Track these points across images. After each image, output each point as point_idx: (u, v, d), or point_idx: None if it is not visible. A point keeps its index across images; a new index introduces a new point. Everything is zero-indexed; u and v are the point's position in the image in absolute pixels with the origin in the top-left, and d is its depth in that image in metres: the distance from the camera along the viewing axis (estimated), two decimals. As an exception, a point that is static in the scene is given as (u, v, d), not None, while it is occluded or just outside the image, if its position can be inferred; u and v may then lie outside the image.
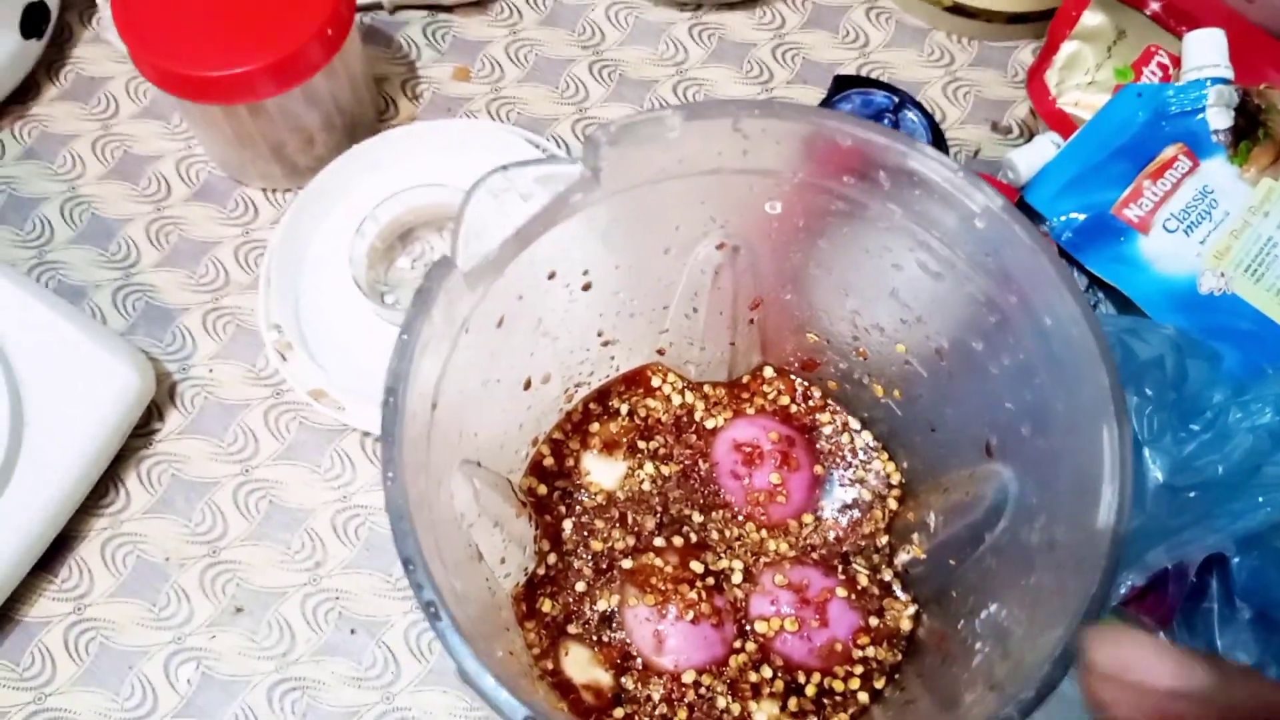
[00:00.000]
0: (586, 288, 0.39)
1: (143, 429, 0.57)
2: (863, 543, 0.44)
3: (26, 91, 0.66)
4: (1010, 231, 0.32)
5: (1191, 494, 0.44)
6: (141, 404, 0.55)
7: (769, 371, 0.47)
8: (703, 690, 0.41)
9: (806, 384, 0.46)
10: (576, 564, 0.43)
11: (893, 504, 0.45)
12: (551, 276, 0.37)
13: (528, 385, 0.41)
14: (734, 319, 0.42)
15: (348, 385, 0.54)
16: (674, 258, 0.40)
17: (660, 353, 0.46)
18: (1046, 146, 0.58)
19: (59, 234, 0.62)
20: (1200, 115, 0.56)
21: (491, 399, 0.38)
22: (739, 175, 0.35)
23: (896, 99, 0.57)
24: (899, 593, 0.43)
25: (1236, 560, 0.47)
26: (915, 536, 0.42)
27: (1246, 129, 0.56)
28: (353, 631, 0.53)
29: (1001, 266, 0.33)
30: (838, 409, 0.46)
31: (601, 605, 0.42)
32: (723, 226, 0.38)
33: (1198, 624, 0.48)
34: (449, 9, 0.68)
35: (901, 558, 0.43)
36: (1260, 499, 0.45)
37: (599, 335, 0.43)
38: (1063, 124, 0.61)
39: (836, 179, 0.34)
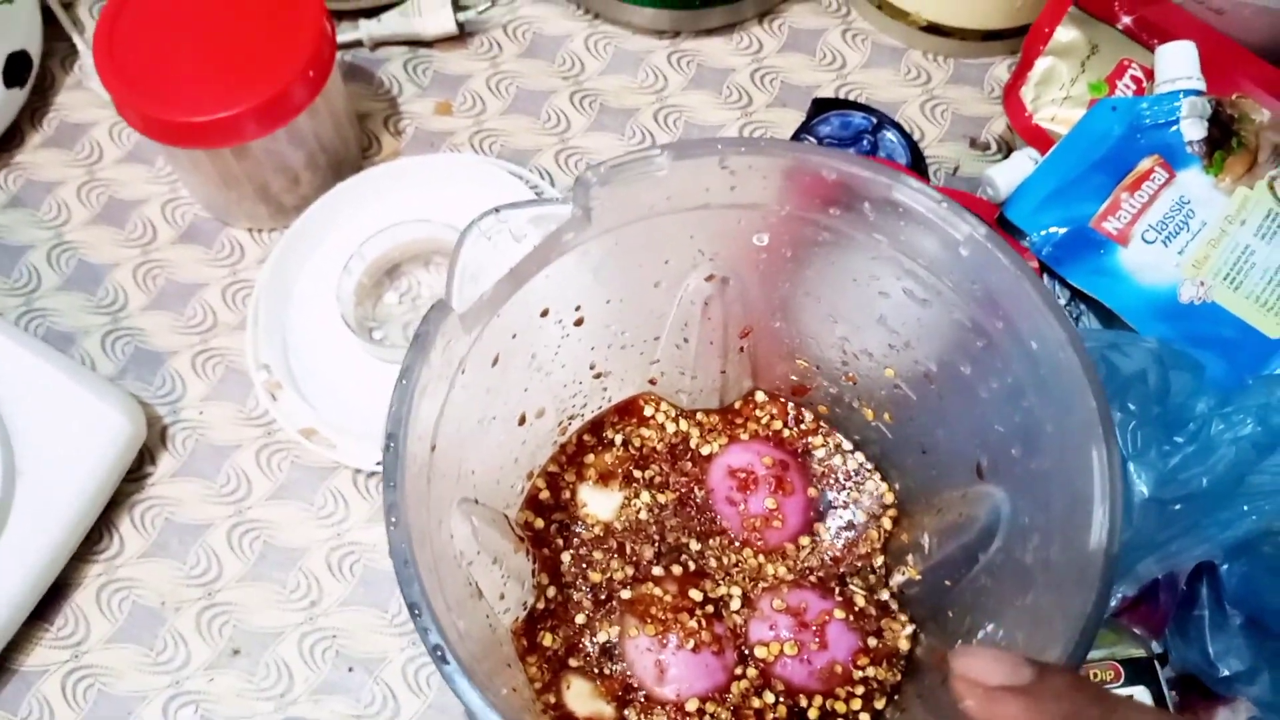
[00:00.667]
0: (579, 323, 0.39)
1: (135, 473, 0.57)
2: (859, 563, 0.44)
3: (10, 139, 0.66)
4: (994, 258, 0.32)
5: (1178, 506, 0.44)
6: (133, 448, 0.55)
7: (760, 396, 0.47)
8: (706, 718, 0.42)
9: (798, 408, 0.47)
10: (576, 596, 0.43)
11: (887, 524, 0.45)
12: (545, 314, 0.37)
13: (522, 420, 0.41)
14: (724, 348, 0.43)
15: (338, 423, 0.55)
16: (664, 290, 0.40)
17: (652, 382, 0.46)
18: (1024, 162, 0.59)
19: (46, 281, 0.62)
20: (1175, 127, 0.57)
21: (487, 436, 0.38)
22: (727, 210, 0.36)
23: (874, 120, 0.58)
24: (896, 613, 0.43)
25: (1225, 568, 0.48)
26: (910, 557, 0.42)
27: (1220, 139, 0.57)
28: (350, 669, 0.53)
29: (987, 292, 0.33)
30: (830, 431, 0.47)
31: (602, 637, 0.43)
32: (711, 259, 0.39)
33: (1190, 631, 0.48)
34: (429, 44, 0.69)
35: (897, 578, 0.43)
36: (1246, 508, 0.45)
37: (591, 368, 0.43)
38: (1040, 139, 0.61)
39: (822, 211, 0.35)
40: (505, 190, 0.60)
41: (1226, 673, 0.47)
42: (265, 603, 0.54)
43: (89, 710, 0.52)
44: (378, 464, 0.54)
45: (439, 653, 0.27)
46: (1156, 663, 0.48)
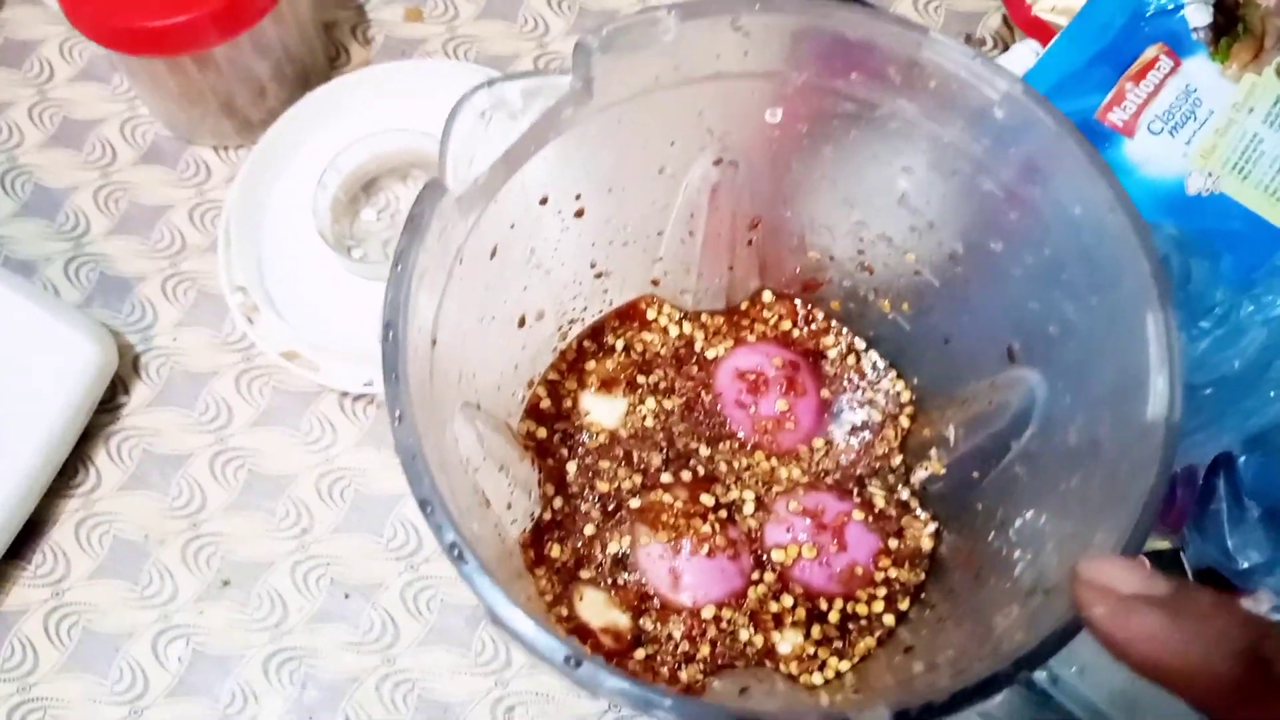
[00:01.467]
0: (579, 214, 0.37)
1: (109, 404, 0.54)
2: (877, 464, 0.43)
3: (-48, 59, 0.62)
4: (1034, 116, 0.30)
5: (1208, 391, 0.43)
6: (105, 378, 0.53)
7: (768, 296, 0.45)
8: (724, 624, 0.40)
9: (808, 307, 0.45)
10: (583, 507, 0.41)
11: (905, 422, 0.43)
12: (543, 202, 0.35)
13: (522, 323, 0.39)
14: (732, 241, 0.41)
15: (321, 344, 0.52)
16: (669, 178, 0.37)
17: (654, 283, 0.44)
18: (1026, 55, 0.57)
19: (2, 208, 0.59)
20: (1179, 13, 0.55)
21: (487, 338, 0.36)
22: (739, 80, 0.33)
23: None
24: (918, 512, 0.42)
25: (1243, 460, 0.47)
26: (933, 453, 0.40)
27: (1226, 25, 0.55)
28: (347, 596, 0.51)
29: (1024, 156, 0.31)
30: (842, 330, 0.45)
31: (613, 547, 0.41)
32: (720, 139, 0.36)
33: (1208, 526, 0.48)
34: (396, -54, 0.65)
35: (919, 475, 0.41)
36: (1273, 394, 0.44)
37: (592, 266, 0.41)
38: (1040, 31, 0.59)
39: (844, 77, 0.32)
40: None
41: (1246, 565, 0.46)
42: (254, 532, 0.52)
43: (74, 649, 0.50)
44: (365, 385, 0.52)
45: (455, 550, 0.25)
46: (1182, 555, 0.47)
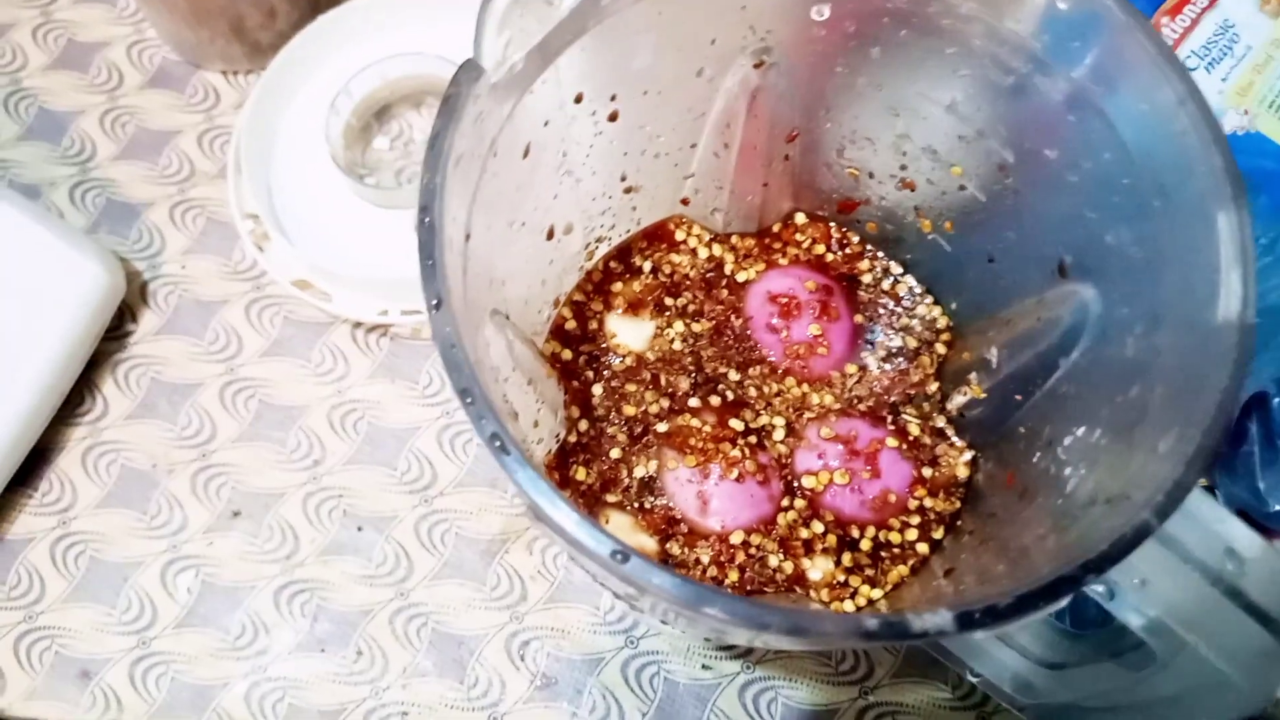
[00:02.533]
0: (613, 117, 0.35)
1: (116, 331, 0.53)
2: (911, 391, 0.41)
3: (-48, -24, 0.60)
4: (1101, 6, 0.28)
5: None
6: (113, 304, 0.51)
7: (801, 219, 0.43)
8: (752, 550, 0.39)
9: (842, 230, 0.43)
10: (610, 430, 0.40)
11: (941, 349, 0.42)
12: (578, 100, 0.33)
13: (550, 234, 0.38)
14: (769, 155, 0.39)
15: (334, 273, 0.51)
16: (706, 81, 0.36)
17: (684, 202, 0.42)
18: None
19: (5, 131, 0.57)
20: (1218, -55, 0.53)
21: (517, 245, 0.35)
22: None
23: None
24: (954, 439, 0.40)
25: (1277, 400, 0.46)
26: (973, 377, 0.39)
27: (1266, -43, 0.53)
28: (360, 529, 0.50)
29: (1088, 52, 0.29)
30: (878, 255, 0.43)
31: (639, 471, 0.39)
32: (762, 39, 0.34)
33: (1238, 468, 0.47)
34: None
35: (956, 401, 0.40)
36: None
37: (622, 179, 0.39)
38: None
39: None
40: (506, 18, 0.55)
41: (1277, 507, 0.45)
42: (264, 463, 0.51)
43: (81, 578, 0.49)
44: (380, 314, 0.51)
45: (496, 442, 0.23)
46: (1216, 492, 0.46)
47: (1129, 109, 0.29)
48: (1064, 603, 0.24)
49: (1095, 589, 0.27)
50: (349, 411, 0.52)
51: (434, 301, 0.25)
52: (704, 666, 0.47)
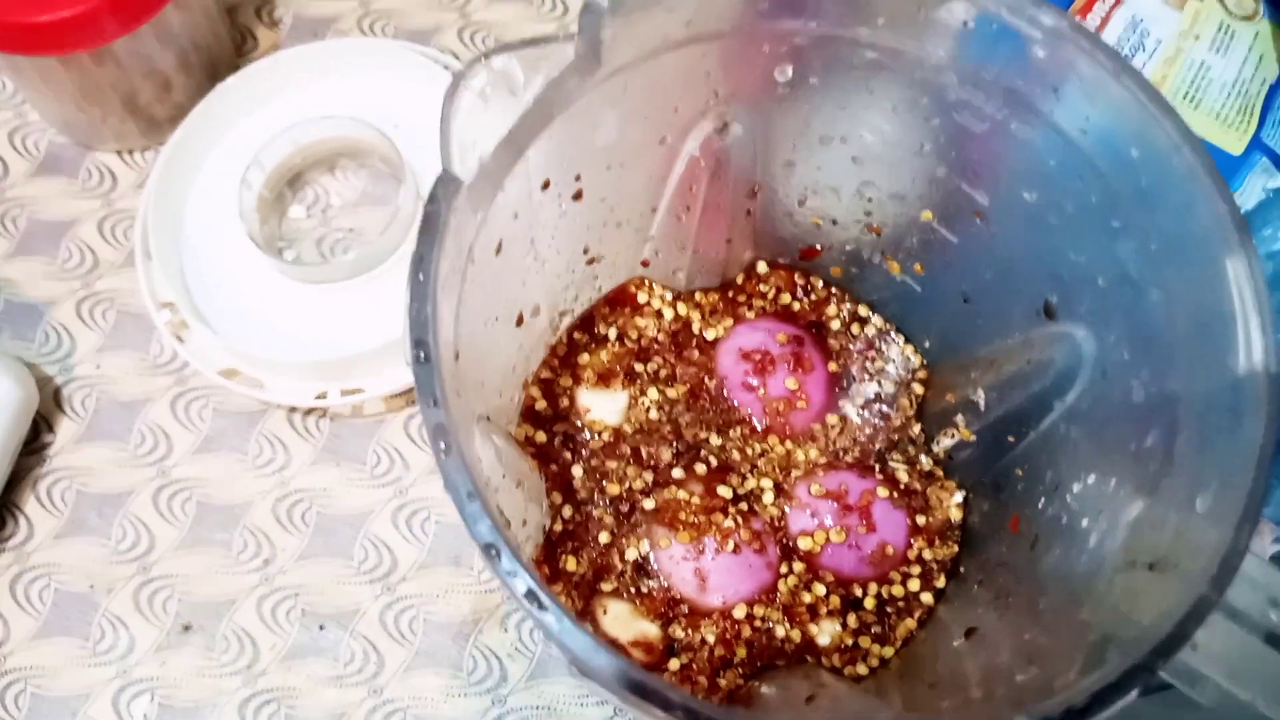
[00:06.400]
0: (578, 196, 0.34)
1: (32, 445, 0.49)
2: (895, 436, 0.41)
3: None
4: (1081, 54, 0.28)
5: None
6: (27, 416, 0.47)
7: (762, 267, 0.42)
8: (758, 623, 0.37)
9: (806, 276, 0.42)
10: (595, 513, 0.38)
11: (918, 389, 0.41)
12: (545, 186, 0.31)
13: (520, 321, 0.36)
14: (732, 212, 0.38)
15: (262, 358, 0.48)
16: (668, 148, 0.34)
17: (644, 264, 0.41)
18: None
19: (-121, 238, 0.53)
20: (1119, -58, 0.54)
21: (492, 341, 0.33)
22: (751, 35, 0.30)
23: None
24: (943, 480, 0.40)
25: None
26: (959, 418, 0.38)
27: (1166, -48, 0.54)
28: (321, 627, 0.47)
29: (1069, 99, 0.29)
30: (843, 298, 0.42)
31: (632, 553, 0.38)
32: (725, 102, 0.33)
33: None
34: (295, -83, 0.60)
35: (944, 443, 0.39)
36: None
37: (585, 252, 0.37)
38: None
39: (870, 23, 0.30)
40: (417, 71, 0.53)
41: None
42: (211, 570, 0.48)
43: (25, 718, 0.45)
44: (318, 398, 0.48)
45: (533, 599, 0.22)
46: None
47: (1116, 154, 0.29)
48: (1134, 695, 0.23)
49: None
50: (295, 503, 0.49)
51: (442, 447, 0.23)
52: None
